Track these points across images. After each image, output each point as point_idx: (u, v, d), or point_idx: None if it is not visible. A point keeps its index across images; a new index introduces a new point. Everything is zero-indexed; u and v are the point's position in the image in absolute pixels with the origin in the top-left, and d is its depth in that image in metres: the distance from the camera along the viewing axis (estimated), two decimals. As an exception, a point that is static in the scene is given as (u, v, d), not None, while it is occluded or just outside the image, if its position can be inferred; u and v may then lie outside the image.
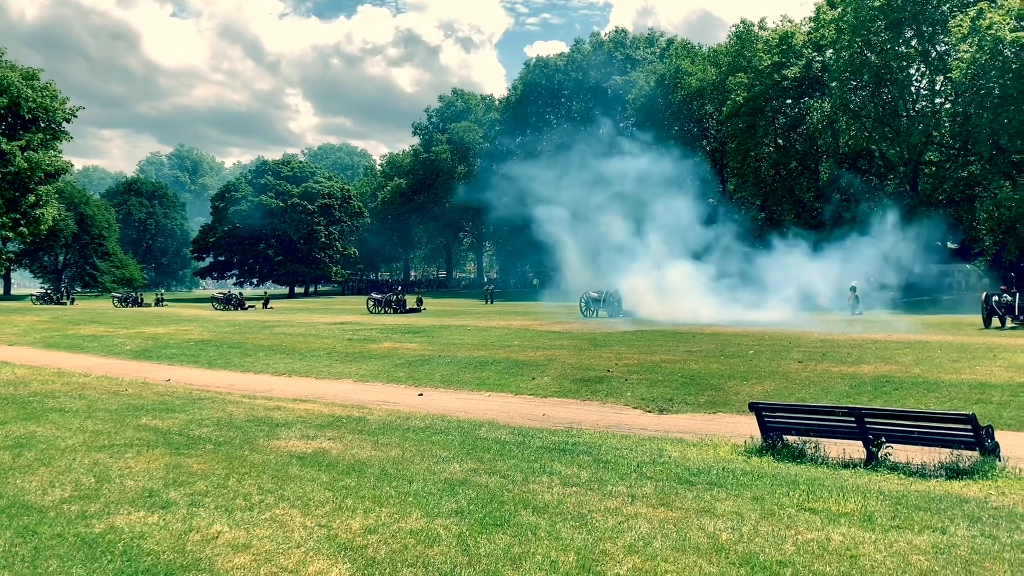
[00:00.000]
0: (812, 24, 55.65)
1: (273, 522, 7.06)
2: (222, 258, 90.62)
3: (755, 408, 10.73)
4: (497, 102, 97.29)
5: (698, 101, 66.45)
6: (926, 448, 9.52)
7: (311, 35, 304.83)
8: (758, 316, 30.90)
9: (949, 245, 56.71)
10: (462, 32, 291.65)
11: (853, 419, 9.74)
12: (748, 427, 11.41)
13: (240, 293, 58.23)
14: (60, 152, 67.49)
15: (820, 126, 54.74)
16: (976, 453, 9.10)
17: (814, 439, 10.13)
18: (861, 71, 49.89)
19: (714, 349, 20.47)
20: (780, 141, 60.27)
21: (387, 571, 5.91)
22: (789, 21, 59.10)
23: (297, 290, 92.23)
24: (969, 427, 9.08)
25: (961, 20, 43.63)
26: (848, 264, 35.79)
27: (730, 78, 59.93)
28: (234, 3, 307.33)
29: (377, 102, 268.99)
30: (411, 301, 45.41)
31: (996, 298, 26.53)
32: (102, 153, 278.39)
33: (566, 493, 7.91)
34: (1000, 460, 9.14)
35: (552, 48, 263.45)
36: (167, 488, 8.22)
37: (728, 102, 59.28)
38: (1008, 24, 41.13)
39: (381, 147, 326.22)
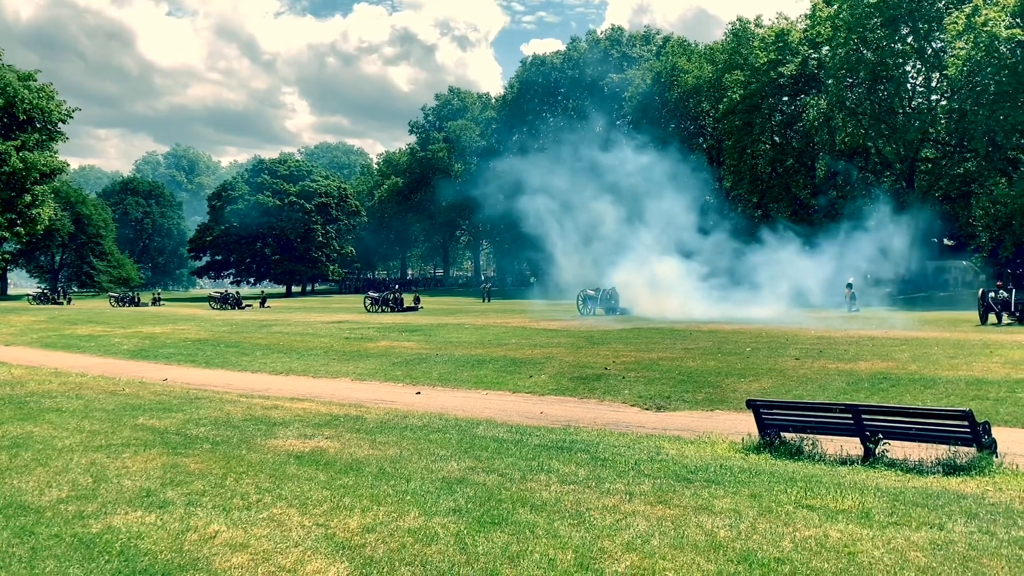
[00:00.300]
0: (808, 21, 55.67)
1: (271, 521, 7.05)
2: (219, 257, 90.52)
3: (752, 405, 10.74)
4: (494, 100, 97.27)
5: (694, 99, 66.48)
6: (923, 444, 9.53)
7: (307, 34, 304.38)
8: (753, 313, 30.95)
9: (946, 242, 56.83)
10: (458, 30, 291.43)
11: (850, 416, 9.75)
12: (745, 424, 11.42)
13: (237, 292, 58.17)
14: (56, 152, 67.37)
15: (816, 123, 54.82)
16: (973, 449, 9.12)
17: (811, 436, 10.14)
18: (857, 68, 49.94)
19: (711, 346, 20.49)
20: (776, 138, 60.33)
21: (385, 570, 5.91)
22: (785, 18, 59.14)
23: (294, 289, 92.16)
24: (966, 423, 9.10)
25: (956, 17, 43.68)
26: (843, 259, 35.87)
27: (726, 75, 59.96)
28: (229, 2, 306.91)
29: (373, 101, 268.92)
30: (408, 300, 45.42)
31: (992, 294, 26.58)
32: (98, 152, 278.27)
33: (564, 491, 7.91)
34: (997, 456, 9.16)
35: (548, 46, 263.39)
36: (164, 488, 8.20)
37: (724, 99, 59.32)
38: (1003, 21, 41.19)
39: (378, 146, 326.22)
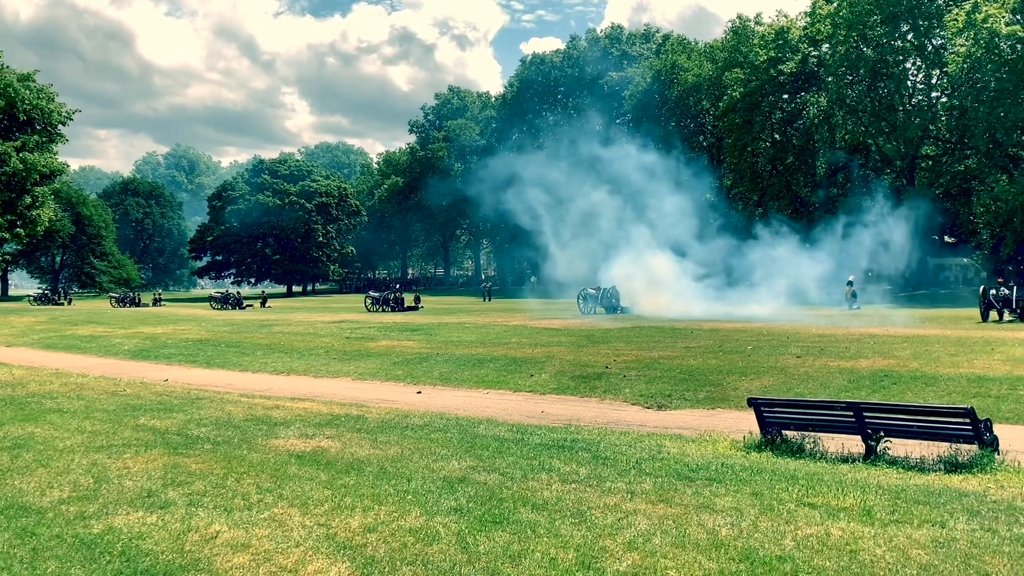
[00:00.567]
0: (808, 19, 55.63)
1: (272, 521, 7.05)
2: (219, 257, 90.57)
3: (754, 403, 10.73)
4: (493, 99, 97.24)
5: (694, 97, 66.44)
6: (925, 442, 9.53)
7: (306, 34, 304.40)
8: (754, 311, 30.94)
9: (946, 239, 56.79)
10: (457, 30, 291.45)
11: (852, 414, 9.73)
12: (747, 423, 11.41)
13: (238, 292, 58.18)
14: (56, 154, 67.37)
15: (817, 121, 54.79)
16: (975, 447, 9.10)
17: (813, 434, 10.13)
18: (857, 66, 49.91)
19: (712, 345, 20.48)
20: (777, 136, 60.33)
21: (386, 569, 5.90)
22: (785, 16, 59.12)
23: (295, 289, 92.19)
24: (968, 421, 9.08)
25: (957, 14, 43.65)
26: (842, 256, 35.84)
27: (726, 74, 59.92)
28: (229, 2, 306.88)
29: (373, 100, 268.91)
30: (409, 299, 45.43)
31: (994, 292, 26.56)
32: (98, 153, 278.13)
33: (565, 490, 7.90)
34: (999, 453, 9.14)
35: (548, 45, 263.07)
36: (166, 488, 8.20)
37: (724, 97, 59.29)
38: (1004, 18, 41.16)
39: (378, 145, 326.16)
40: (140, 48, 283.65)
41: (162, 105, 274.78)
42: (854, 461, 9.41)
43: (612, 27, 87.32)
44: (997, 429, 9.63)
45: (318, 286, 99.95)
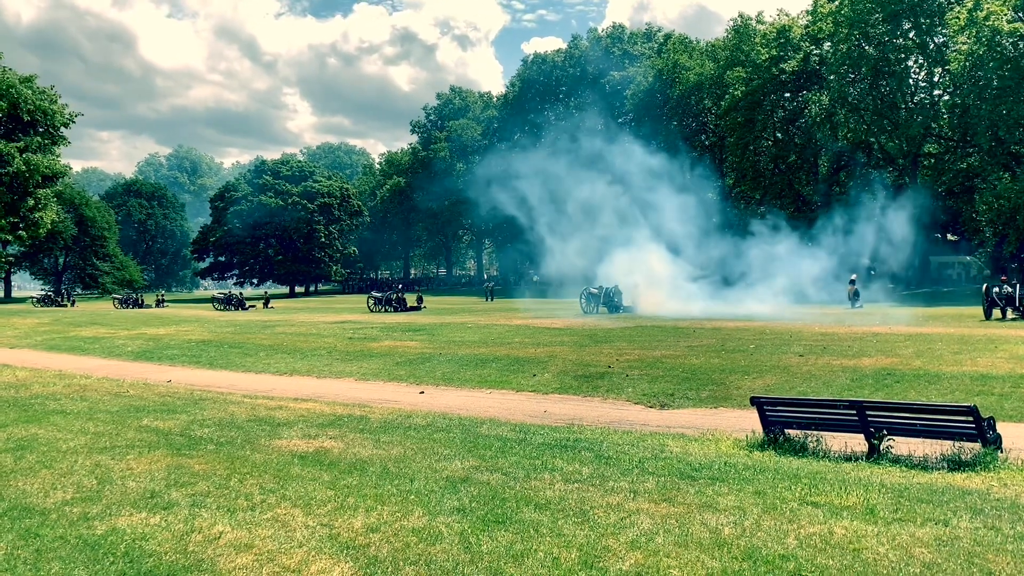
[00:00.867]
0: (810, 17, 55.58)
1: (275, 522, 7.06)
2: (222, 258, 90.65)
3: (756, 402, 10.72)
4: (495, 99, 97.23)
5: (696, 96, 66.36)
6: (928, 440, 9.52)
7: (307, 34, 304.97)
8: (756, 309, 30.92)
9: (949, 237, 56.71)
10: (459, 30, 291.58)
11: (855, 412, 9.72)
12: (750, 422, 11.40)
13: (240, 293, 58.25)
14: (58, 156, 67.45)
15: (818, 119, 54.70)
16: (978, 445, 9.09)
17: (816, 433, 10.12)
18: (859, 64, 49.85)
19: (715, 344, 20.46)
20: (779, 135, 60.27)
21: (389, 570, 5.91)
22: (786, 15, 59.03)
23: (297, 289, 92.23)
24: (971, 419, 9.07)
25: (958, 12, 43.58)
26: (844, 254, 35.81)
27: (728, 72, 59.85)
28: (230, 3, 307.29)
29: (374, 101, 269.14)
30: (411, 299, 45.43)
31: (997, 289, 26.51)
32: (100, 155, 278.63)
33: (568, 490, 7.91)
34: (1002, 452, 9.13)
35: (549, 44, 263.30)
36: (169, 489, 8.21)
37: (726, 96, 59.23)
38: (1005, 15, 41.09)
39: (379, 146, 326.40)
40: (142, 50, 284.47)
41: (164, 106, 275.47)
42: (857, 460, 9.41)
43: (614, 26, 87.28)
44: (1000, 427, 9.62)
45: (321, 287, 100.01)
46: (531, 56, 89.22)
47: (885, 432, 9.51)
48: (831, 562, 5.77)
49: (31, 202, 63.62)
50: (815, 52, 55.38)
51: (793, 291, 34.54)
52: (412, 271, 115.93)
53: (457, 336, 25.26)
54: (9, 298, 77.31)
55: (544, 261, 43.37)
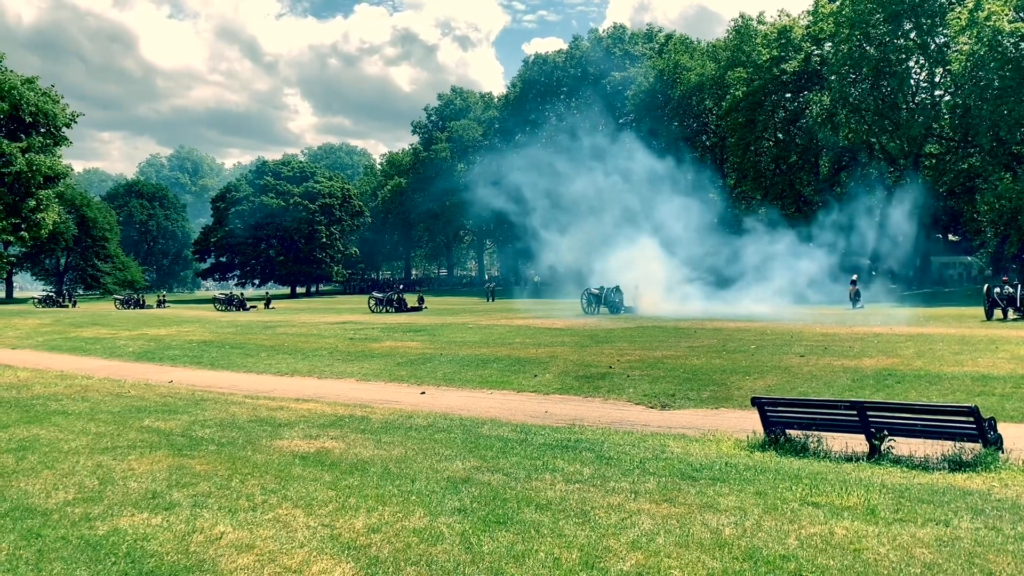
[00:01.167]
0: (811, 18, 55.54)
1: (276, 522, 7.06)
2: (223, 259, 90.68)
3: (757, 403, 10.73)
4: (496, 99, 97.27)
5: (697, 96, 66.35)
6: (929, 441, 9.52)
7: (308, 35, 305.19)
8: (757, 309, 30.91)
9: (951, 237, 56.66)
10: (459, 30, 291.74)
11: (855, 413, 9.73)
12: (751, 422, 11.40)
13: (242, 294, 58.27)
14: (60, 156, 67.53)
15: (820, 120, 54.69)
16: (979, 445, 9.09)
17: (817, 433, 10.13)
18: (860, 64, 49.82)
19: (716, 344, 20.46)
20: (780, 135, 60.26)
21: (390, 570, 5.92)
22: (787, 15, 59.01)
23: (298, 290, 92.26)
24: (972, 419, 9.07)
25: (960, 12, 43.56)
26: (846, 253, 35.82)
27: (729, 73, 59.85)
28: (231, 4, 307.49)
29: (375, 101, 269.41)
30: (412, 300, 45.41)
31: (998, 290, 26.49)
32: (102, 155, 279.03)
33: (569, 490, 7.91)
34: (1003, 452, 9.13)
35: (550, 45, 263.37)
36: (170, 489, 8.22)
37: (727, 97, 59.22)
38: (1007, 15, 41.07)
39: (380, 146, 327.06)
40: (143, 50, 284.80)
41: (165, 107, 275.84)
42: (858, 460, 9.41)
43: (614, 27, 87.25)
44: (1001, 428, 9.63)
45: (322, 287, 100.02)
46: (532, 57, 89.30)
47: (886, 432, 9.51)
48: (832, 562, 5.78)
49: (33, 203, 63.69)
50: (816, 52, 55.38)
51: (793, 291, 34.53)
52: (413, 272, 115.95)
53: (458, 336, 25.26)
54: (10, 299, 77.36)
55: (545, 261, 43.39)
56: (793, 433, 10.28)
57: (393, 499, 7.71)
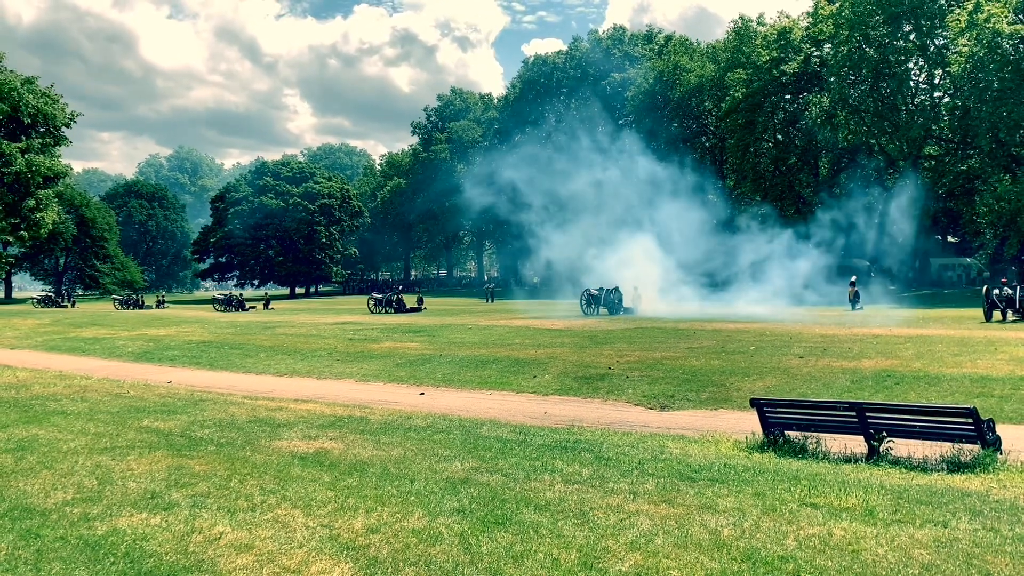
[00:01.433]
0: (810, 19, 55.59)
1: (275, 522, 7.07)
2: (223, 259, 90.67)
3: (756, 404, 10.73)
4: (496, 100, 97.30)
5: (697, 97, 66.42)
6: (927, 442, 9.52)
7: (308, 35, 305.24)
8: (756, 311, 30.94)
9: (950, 239, 56.68)
10: (459, 31, 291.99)
11: (854, 414, 9.73)
12: (749, 423, 11.41)
13: (241, 294, 58.24)
14: (59, 156, 67.55)
15: (819, 121, 54.73)
16: (977, 447, 9.10)
17: (816, 434, 10.13)
18: (859, 66, 49.87)
19: (715, 345, 20.46)
20: (779, 137, 60.31)
21: (389, 570, 5.92)
22: (787, 16, 59.07)
23: (298, 291, 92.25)
24: (970, 421, 9.08)
25: (959, 14, 43.61)
26: (844, 253, 35.87)
27: (729, 74, 59.91)
28: (230, 4, 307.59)
29: (375, 102, 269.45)
30: (411, 300, 45.41)
31: (997, 292, 26.50)
32: (101, 155, 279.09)
33: (568, 491, 7.92)
34: (1001, 453, 9.13)
35: (549, 46, 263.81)
36: (169, 490, 8.22)
37: (727, 98, 59.26)
38: (1006, 17, 41.11)
39: (380, 147, 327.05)
40: (142, 51, 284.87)
41: (165, 107, 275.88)
42: (857, 461, 9.41)
43: (614, 28, 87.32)
44: (1000, 429, 9.63)
45: (321, 288, 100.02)
46: (531, 58, 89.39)
47: (885, 434, 9.52)
48: (830, 563, 5.78)
49: (32, 203, 63.70)
50: (816, 54, 55.41)
51: (793, 293, 34.56)
52: (412, 272, 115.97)
53: (457, 337, 25.26)
54: (10, 299, 77.33)
55: (544, 262, 43.41)
56: (792, 434, 10.29)
57: (392, 499, 7.71)
